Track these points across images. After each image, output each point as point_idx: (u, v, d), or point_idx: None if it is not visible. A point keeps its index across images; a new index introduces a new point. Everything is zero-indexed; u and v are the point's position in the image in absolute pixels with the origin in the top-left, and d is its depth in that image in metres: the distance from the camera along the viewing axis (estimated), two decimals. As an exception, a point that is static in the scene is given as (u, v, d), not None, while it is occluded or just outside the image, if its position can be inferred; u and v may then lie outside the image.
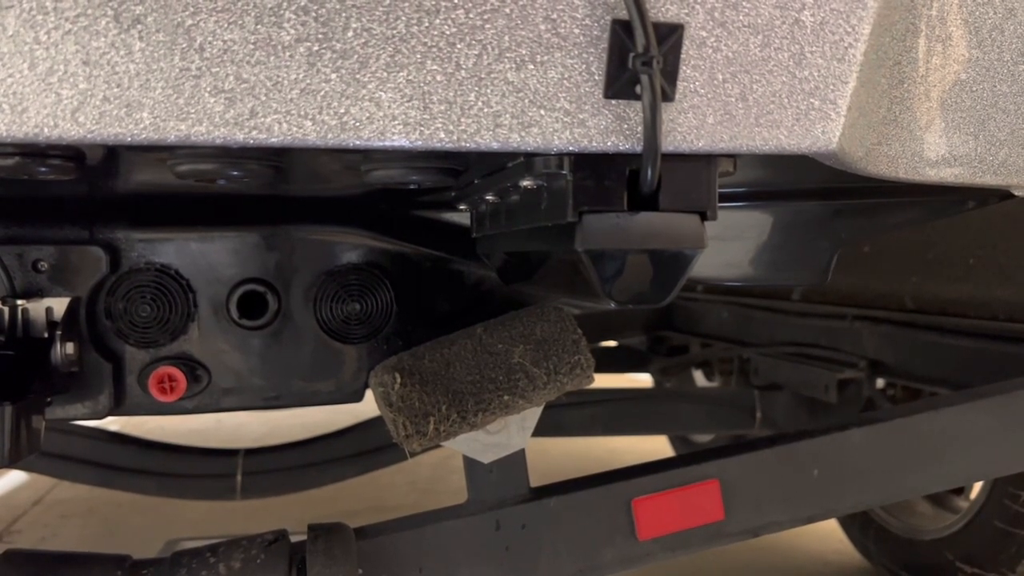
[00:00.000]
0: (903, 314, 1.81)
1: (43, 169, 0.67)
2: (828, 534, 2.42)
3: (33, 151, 0.66)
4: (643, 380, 3.23)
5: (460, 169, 0.81)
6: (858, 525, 2.19)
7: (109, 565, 0.90)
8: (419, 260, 1.14)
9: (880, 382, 2.02)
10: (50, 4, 0.55)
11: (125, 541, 2.51)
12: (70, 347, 0.98)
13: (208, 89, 0.58)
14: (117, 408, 1.04)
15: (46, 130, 0.57)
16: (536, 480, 1.07)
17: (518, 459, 1.06)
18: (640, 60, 0.62)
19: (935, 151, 0.79)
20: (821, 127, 0.69)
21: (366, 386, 1.12)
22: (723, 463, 1.09)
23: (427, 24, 0.61)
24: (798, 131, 0.69)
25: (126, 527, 2.67)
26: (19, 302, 0.98)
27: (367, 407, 1.25)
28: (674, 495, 1.07)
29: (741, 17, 0.65)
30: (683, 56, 0.65)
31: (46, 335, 0.98)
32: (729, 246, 1.18)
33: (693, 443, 2.94)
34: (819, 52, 0.68)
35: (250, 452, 1.87)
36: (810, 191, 1.13)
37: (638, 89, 0.64)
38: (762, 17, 0.66)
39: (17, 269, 0.99)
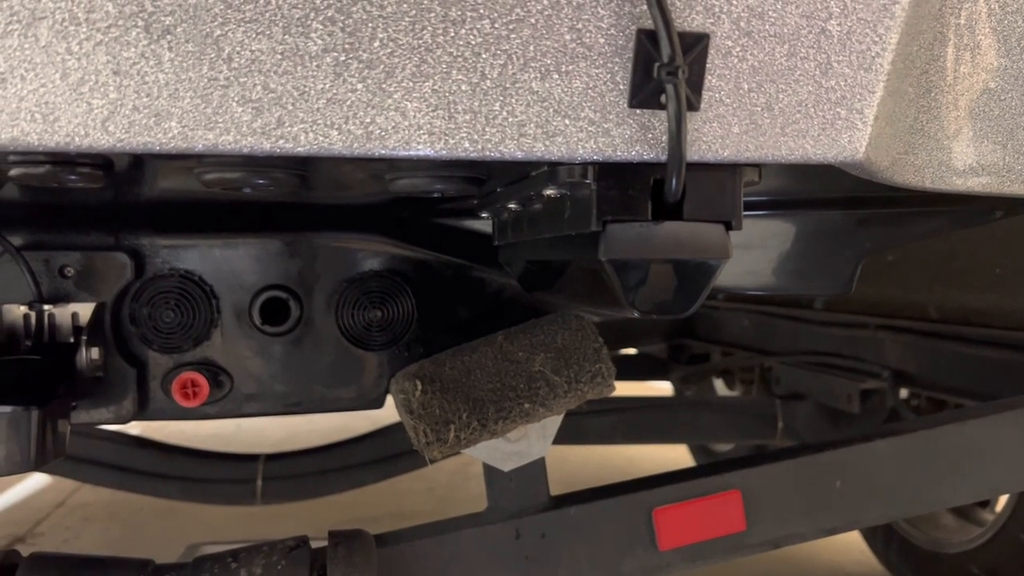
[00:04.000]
0: (927, 324, 1.79)
1: (73, 177, 0.68)
2: (850, 545, 2.39)
3: (63, 159, 0.67)
4: (663, 388, 3.22)
5: (483, 178, 0.81)
6: (880, 537, 2.16)
7: (132, 569, 0.91)
8: (440, 267, 1.15)
9: (904, 392, 2.00)
10: (82, 15, 0.56)
11: (146, 545, 2.53)
12: (95, 352, 0.99)
13: (236, 99, 0.59)
14: (141, 413, 1.05)
15: (77, 139, 0.58)
16: (555, 489, 1.07)
17: (538, 467, 1.05)
18: (665, 70, 0.62)
19: (963, 160, 0.78)
20: (847, 137, 0.69)
21: (386, 393, 1.12)
22: (745, 473, 1.08)
23: (453, 34, 0.61)
24: (824, 141, 0.68)
25: (147, 531, 2.69)
26: (46, 307, 0.99)
27: (384, 413, 1.26)
28: (695, 505, 1.06)
29: (767, 27, 0.65)
30: (709, 65, 0.65)
31: (72, 340, 0.99)
32: (752, 255, 1.17)
33: (713, 452, 2.92)
34: (846, 61, 0.67)
35: (271, 457, 1.88)
36: (834, 200, 1.12)
37: (663, 98, 0.63)
38: (788, 27, 0.65)
39: (44, 275, 1.00)
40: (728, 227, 0.70)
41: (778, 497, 1.09)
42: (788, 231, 1.17)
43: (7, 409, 0.83)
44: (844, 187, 1.04)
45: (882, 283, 1.91)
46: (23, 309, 0.98)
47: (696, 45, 0.64)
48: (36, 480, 3.26)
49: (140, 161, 0.77)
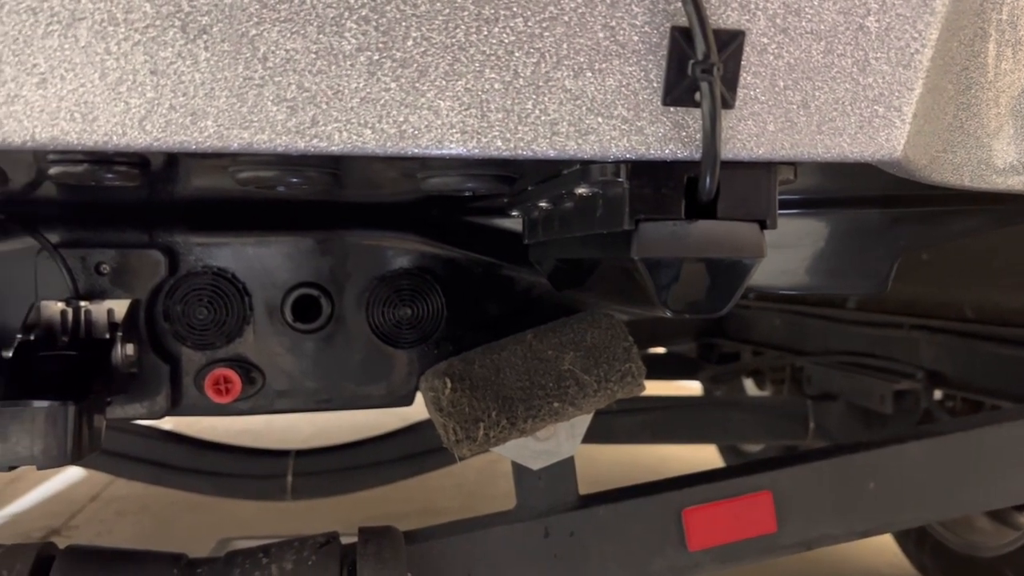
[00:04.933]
0: (963, 324, 1.76)
1: (110, 176, 0.69)
2: (882, 547, 2.36)
3: (101, 158, 0.68)
4: (692, 388, 3.20)
5: (515, 176, 0.81)
6: (914, 540, 2.13)
7: (165, 563, 0.92)
8: (470, 265, 1.15)
9: (938, 393, 1.97)
10: (120, 15, 0.57)
11: (178, 539, 2.56)
12: (130, 348, 1.00)
13: (271, 98, 0.59)
14: (174, 409, 1.06)
15: (115, 138, 0.59)
16: (583, 487, 1.07)
17: (567, 466, 1.05)
18: (700, 67, 0.61)
19: (1003, 158, 0.77)
20: (885, 135, 0.68)
21: (416, 390, 1.12)
22: (776, 474, 1.07)
23: (486, 32, 0.61)
24: (861, 139, 0.67)
25: (179, 525, 2.73)
26: (82, 304, 1.00)
27: (413, 410, 1.26)
28: (725, 506, 1.05)
29: (804, 23, 0.64)
30: (744, 63, 0.64)
31: (107, 336, 1.00)
32: (785, 253, 1.16)
33: (743, 453, 2.89)
34: (884, 58, 0.66)
35: (301, 453, 1.89)
36: (869, 198, 1.10)
37: (697, 96, 0.63)
38: (825, 23, 0.65)
39: (80, 272, 1.02)
40: (763, 226, 0.69)
41: (810, 498, 1.08)
42: (822, 229, 1.15)
43: (45, 404, 0.84)
44: (880, 185, 1.03)
45: (917, 282, 1.88)
46: (60, 305, 0.99)
47: (731, 42, 0.63)
48: (71, 474, 3.32)
49: (175, 159, 0.78)
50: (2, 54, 0.57)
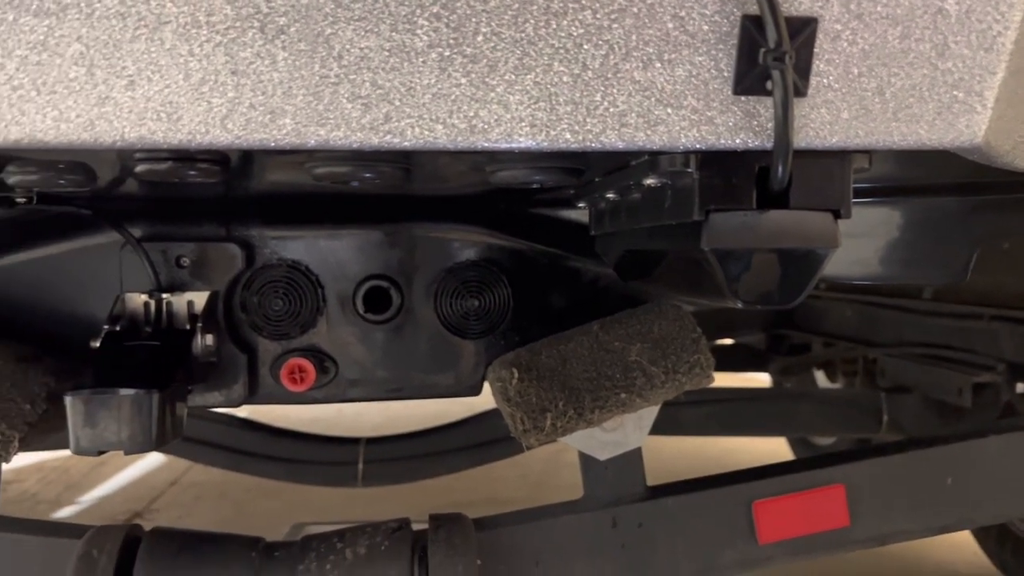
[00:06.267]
0: (1047, 315, 1.70)
1: (192, 172, 0.71)
2: (961, 544, 2.30)
3: (184, 156, 0.70)
4: (761, 380, 3.15)
5: (582, 168, 0.82)
6: (994, 537, 2.07)
7: (244, 546, 0.95)
8: (536, 257, 1.15)
9: (1021, 387, 1.90)
10: (203, 18, 0.59)
11: (254, 523, 2.64)
12: (209, 339, 1.04)
13: (346, 95, 0.61)
14: (251, 397, 1.09)
15: (198, 137, 0.61)
16: (650, 478, 1.07)
17: (634, 457, 1.05)
18: (772, 55, 0.61)
19: (1091, 143, 0.74)
20: (965, 120, 0.66)
21: (483, 380, 1.14)
22: (849, 468, 1.05)
23: (555, 26, 0.61)
24: (940, 125, 0.66)
25: (255, 509, 2.81)
26: (164, 296, 1.04)
27: (480, 400, 1.27)
28: (797, 499, 1.04)
29: (879, 8, 0.63)
30: (817, 50, 0.63)
31: (188, 327, 1.04)
32: (858, 243, 1.13)
33: (814, 446, 2.84)
34: (964, 42, 0.64)
35: (371, 441, 1.93)
36: (947, 186, 1.07)
37: (769, 85, 0.62)
38: (902, 7, 0.63)
39: (162, 265, 1.06)
40: (836, 215, 0.68)
41: (884, 493, 1.06)
42: (897, 218, 1.13)
43: (131, 392, 0.87)
44: (958, 172, 1.00)
45: (997, 272, 1.81)
46: (143, 297, 1.03)
47: (803, 29, 0.63)
48: (151, 459, 3.44)
49: (252, 156, 0.80)
50: (94, 58, 0.59)
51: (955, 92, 0.65)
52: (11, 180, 0.81)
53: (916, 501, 1.06)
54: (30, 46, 0.59)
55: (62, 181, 0.80)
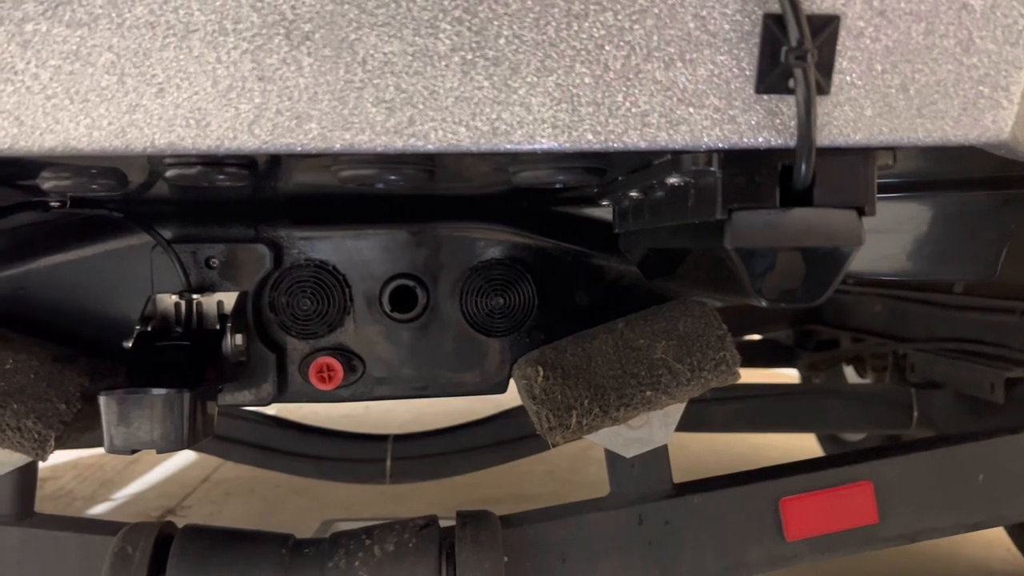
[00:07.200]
0: (1081, 309, 1.67)
1: (221, 176, 0.73)
2: (994, 541, 2.27)
3: (212, 160, 0.72)
4: (789, 376, 3.13)
5: (605, 168, 0.82)
6: (1028, 534, 2.04)
7: (275, 543, 0.97)
8: (560, 255, 1.16)
9: (1055, 382, 1.87)
10: (230, 25, 0.60)
11: (284, 520, 2.67)
12: (239, 338, 1.05)
13: (370, 100, 0.61)
14: (280, 396, 1.11)
15: (226, 142, 0.62)
16: (676, 475, 1.07)
17: (661, 454, 1.05)
18: (794, 54, 0.61)
19: (1122, 136, 0.73)
20: (991, 116, 0.65)
21: (509, 378, 1.14)
22: (877, 464, 1.05)
23: (576, 28, 0.61)
24: (965, 121, 0.65)
25: (284, 506, 2.84)
26: (194, 296, 1.06)
27: (506, 397, 1.28)
28: (824, 496, 1.04)
29: (903, 5, 0.63)
30: (839, 48, 0.63)
31: (218, 327, 1.05)
32: (887, 239, 1.13)
33: (843, 442, 2.81)
34: (989, 37, 0.64)
35: (399, 438, 1.94)
36: (975, 180, 1.06)
37: (791, 83, 0.62)
38: (926, 3, 0.63)
39: (192, 266, 1.08)
40: (861, 213, 0.68)
41: (914, 490, 1.05)
42: (926, 213, 1.12)
43: (163, 391, 0.89)
44: (987, 167, 0.99)
45: (1029, 265, 1.79)
46: (174, 298, 1.05)
47: (826, 27, 0.62)
48: (183, 456, 3.49)
49: (279, 159, 0.81)
50: (125, 67, 0.61)
51: (981, 87, 0.65)
52: (46, 186, 0.83)
53: (946, 498, 1.05)
54: (63, 56, 0.60)
55: (95, 186, 0.82)
